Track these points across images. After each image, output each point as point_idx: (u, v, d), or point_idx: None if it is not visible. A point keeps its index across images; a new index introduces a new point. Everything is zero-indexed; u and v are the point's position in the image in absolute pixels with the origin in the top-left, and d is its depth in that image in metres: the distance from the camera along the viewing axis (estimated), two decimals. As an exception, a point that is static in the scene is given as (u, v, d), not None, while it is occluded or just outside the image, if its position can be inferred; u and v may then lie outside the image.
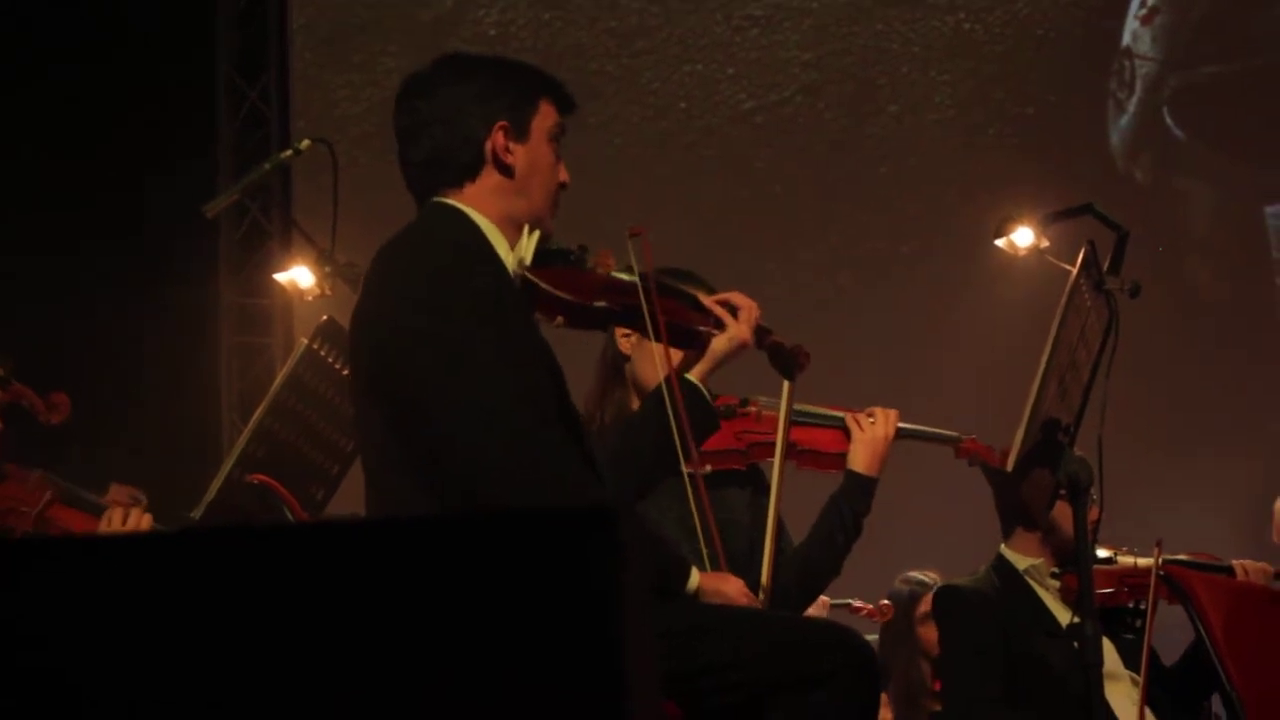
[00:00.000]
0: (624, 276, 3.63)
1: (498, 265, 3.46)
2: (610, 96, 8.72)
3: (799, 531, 4.51)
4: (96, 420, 6.00)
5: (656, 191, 8.56)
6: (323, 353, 4.78)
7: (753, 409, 4.46)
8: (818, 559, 4.46)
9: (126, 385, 7.47)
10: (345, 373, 4.38)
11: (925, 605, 6.34)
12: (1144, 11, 8.86)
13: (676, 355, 3.70)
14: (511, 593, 1.65)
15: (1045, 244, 4.95)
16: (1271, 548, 5.55)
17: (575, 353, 4.02)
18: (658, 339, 3.59)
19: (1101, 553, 5.00)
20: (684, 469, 3.65)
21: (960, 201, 8.32)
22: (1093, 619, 4.13)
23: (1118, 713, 4.77)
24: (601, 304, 3.59)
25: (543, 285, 3.51)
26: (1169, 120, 8.79)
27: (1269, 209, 8.68)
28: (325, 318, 4.87)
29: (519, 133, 3.52)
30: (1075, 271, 4.19)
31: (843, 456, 4.49)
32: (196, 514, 4.81)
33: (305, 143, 5.21)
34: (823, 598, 5.58)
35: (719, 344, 3.71)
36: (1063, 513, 4.65)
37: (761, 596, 3.93)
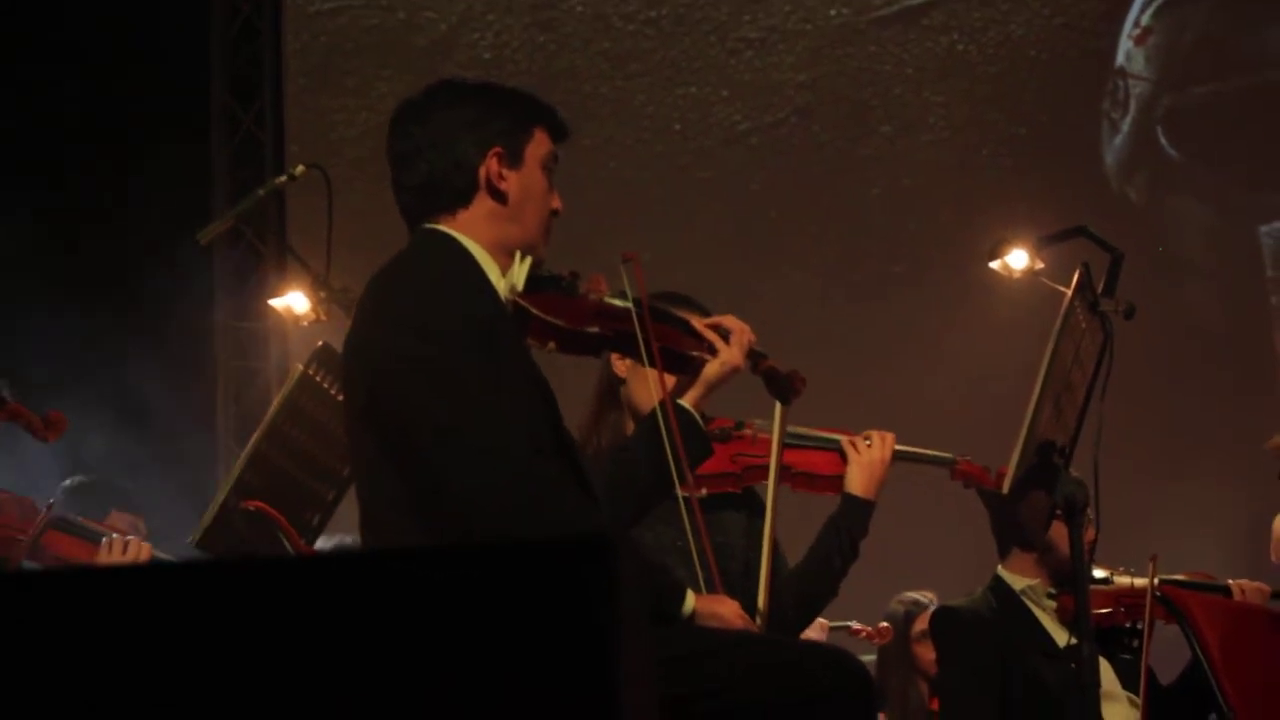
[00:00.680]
0: (616, 302, 3.63)
1: (490, 292, 3.47)
2: (605, 119, 8.73)
3: (794, 554, 4.51)
4: (92, 446, 6.00)
5: (650, 214, 8.56)
6: (318, 378, 4.77)
7: (748, 432, 4.46)
8: (815, 582, 4.47)
9: (123, 410, 7.46)
10: (341, 398, 4.38)
11: (922, 625, 6.34)
12: (1137, 31, 8.87)
13: (670, 380, 3.70)
14: (508, 623, 1.65)
15: (1040, 266, 4.95)
16: (1268, 567, 5.54)
17: (569, 376, 4.02)
18: (651, 365, 3.60)
19: (1098, 573, 5.00)
20: (679, 492, 3.65)
21: (954, 223, 8.32)
22: (1090, 639, 4.13)
23: (1115, 733, 4.77)
24: (594, 329, 3.59)
25: (534, 311, 3.51)
26: (1163, 140, 8.81)
27: (1263, 228, 8.69)
28: (320, 343, 4.86)
29: (513, 159, 3.53)
30: (1070, 293, 4.19)
31: (838, 479, 4.50)
32: (193, 540, 4.81)
33: (300, 168, 5.20)
34: (821, 620, 5.58)
35: (712, 369, 3.70)
36: (1059, 533, 4.65)
37: (759, 621, 3.93)
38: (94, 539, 4.75)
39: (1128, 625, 5.04)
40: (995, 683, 4.97)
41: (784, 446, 4.17)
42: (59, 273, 7.62)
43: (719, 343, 3.72)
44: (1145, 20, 8.86)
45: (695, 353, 3.71)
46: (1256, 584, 5.17)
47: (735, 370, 3.73)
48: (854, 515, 4.46)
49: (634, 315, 3.59)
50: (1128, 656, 5.05)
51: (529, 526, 3.23)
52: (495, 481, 3.26)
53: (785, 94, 8.86)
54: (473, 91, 3.63)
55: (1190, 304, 8.59)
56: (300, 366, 4.76)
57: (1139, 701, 4.92)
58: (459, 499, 3.26)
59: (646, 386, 4.16)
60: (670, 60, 8.88)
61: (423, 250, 3.51)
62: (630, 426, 4.25)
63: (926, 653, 6.14)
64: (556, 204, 3.60)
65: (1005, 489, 4.11)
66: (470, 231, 3.50)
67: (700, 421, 3.71)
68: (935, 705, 6.04)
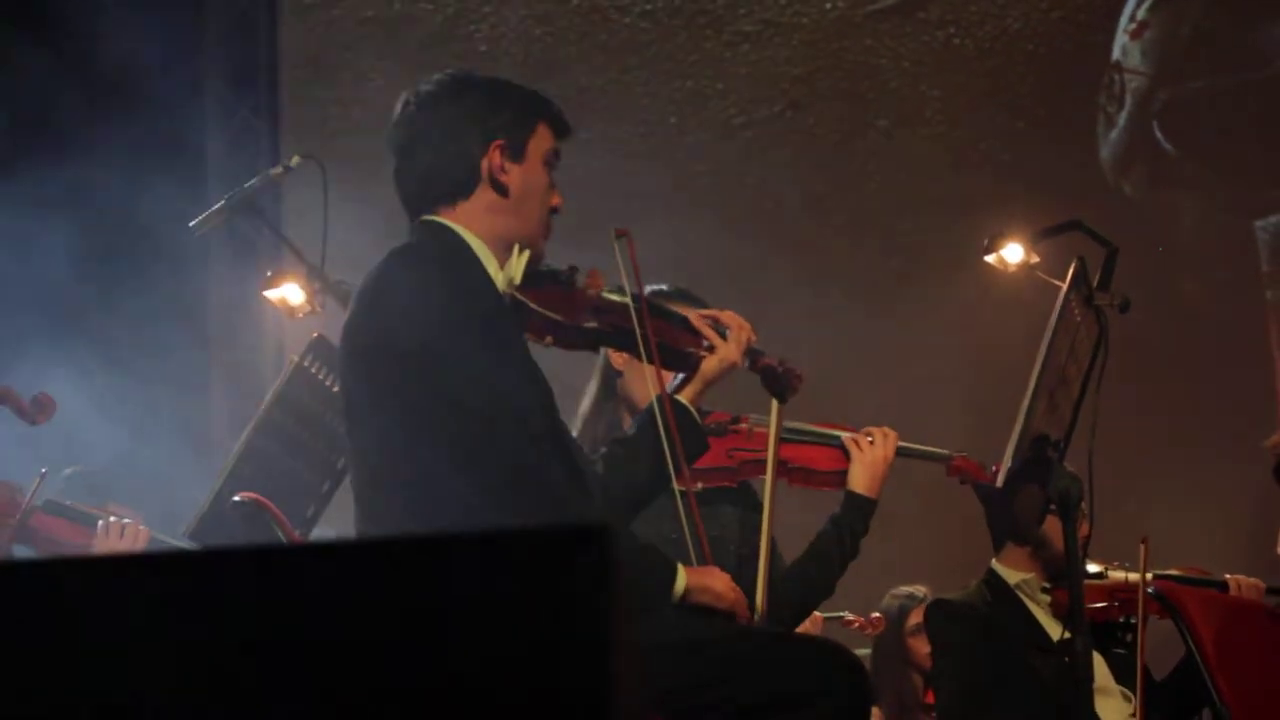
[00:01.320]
0: (614, 297, 3.63)
1: (488, 284, 3.47)
2: (600, 111, 8.72)
3: (790, 549, 4.51)
4: (83, 438, 5.99)
5: (645, 207, 8.55)
6: (313, 370, 4.78)
7: (744, 426, 4.46)
8: (813, 578, 4.47)
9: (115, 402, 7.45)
10: (336, 389, 4.38)
11: (916, 619, 6.35)
12: (1134, 26, 8.86)
13: (667, 376, 3.70)
14: (505, 612, 1.65)
15: (1035, 260, 4.95)
16: (1265, 562, 5.54)
17: (564, 369, 4.02)
18: (648, 361, 3.60)
19: (1092, 567, 5.00)
20: (674, 486, 3.65)
21: (950, 216, 8.32)
22: (1084, 634, 4.13)
23: (1109, 728, 4.77)
24: (591, 324, 3.59)
25: (532, 305, 3.51)
26: (1159, 134, 8.80)
27: (1259, 223, 8.69)
28: (315, 335, 4.87)
29: (515, 153, 3.54)
30: (1065, 287, 4.20)
31: (836, 475, 4.50)
32: (187, 531, 4.81)
33: (296, 159, 5.21)
34: (817, 613, 5.59)
35: (709, 365, 3.71)
36: (1053, 528, 4.66)
37: (756, 617, 3.93)
38: (88, 522, 4.73)
39: (1121, 620, 5.04)
40: (989, 676, 4.97)
41: (781, 441, 4.18)
42: (51, 260, 7.59)
43: (716, 339, 3.72)
44: (1142, 14, 8.85)
45: (692, 349, 3.72)
46: (1253, 580, 5.18)
47: (733, 367, 3.74)
48: (856, 513, 4.46)
49: (632, 311, 3.59)
50: (1121, 651, 5.05)
51: (524, 516, 3.24)
52: (491, 472, 3.26)
53: (781, 87, 8.85)
54: (479, 84, 3.64)
55: (1186, 298, 8.59)
56: (295, 358, 4.76)
57: (1132, 696, 4.92)
58: (453, 484, 3.26)
59: (643, 380, 4.16)
60: (666, 53, 8.87)
61: (421, 242, 3.52)
62: (627, 419, 4.25)
63: (921, 646, 6.15)
64: (556, 201, 3.61)
65: (999, 482, 4.12)
66: (469, 224, 3.51)
67: (697, 416, 3.71)
68: (930, 699, 6.04)
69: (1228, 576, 5.16)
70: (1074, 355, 4.26)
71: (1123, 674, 5.01)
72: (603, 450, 3.79)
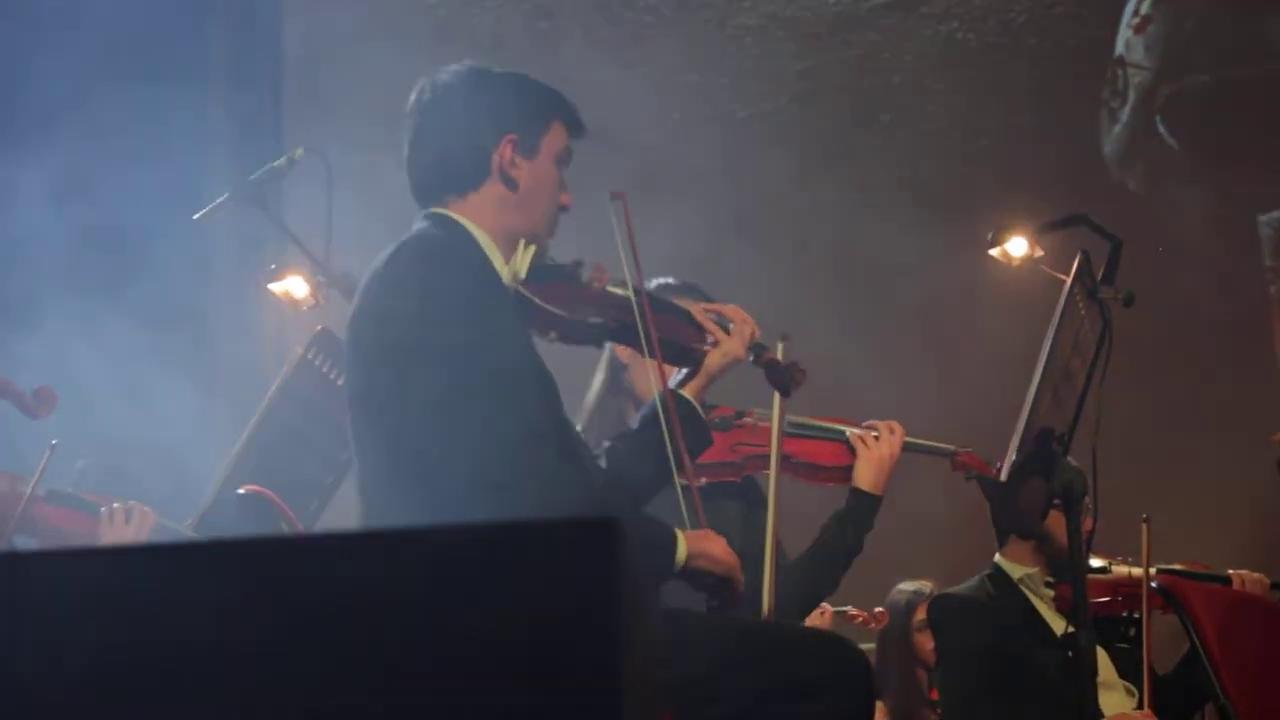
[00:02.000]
0: (619, 292, 3.63)
1: (494, 277, 3.47)
2: (604, 106, 8.71)
3: (794, 544, 4.51)
4: (90, 432, 5.99)
5: (649, 202, 8.55)
6: (317, 362, 4.78)
7: (748, 420, 4.45)
8: (818, 573, 4.47)
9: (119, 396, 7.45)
10: (340, 382, 4.37)
11: (921, 614, 6.35)
12: (1137, 20, 8.86)
13: (669, 371, 3.70)
14: (511, 603, 1.65)
15: (1039, 254, 4.94)
16: (1268, 555, 5.55)
17: (569, 359, 4.01)
18: (652, 356, 3.59)
19: (1096, 562, 5.00)
20: (678, 481, 3.64)
21: (953, 210, 8.31)
22: (1087, 628, 4.13)
23: (1112, 722, 4.78)
24: (596, 320, 3.59)
25: (537, 300, 3.51)
26: (1162, 129, 8.79)
27: (1262, 217, 8.68)
28: (319, 328, 4.86)
29: (528, 149, 3.54)
30: (1069, 281, 4.20)
31: (840, 470, 4.49)
32: (191, 524, 4.80)
33: (299, 151, 5.20)
34: (827, 606, 5.60)
35: (713, 360, 3.70)
36: (1057, 522, 4.65)
37: (764, 612, 3.94)
38: (90, 510, 4.72)
39: (1125, 614, 5.04)
40: (992, 670, 4.97)
41: (785, 436, 4.17)
42: (54, 252, 7.59)
43: (720, 334, 3.72)
44: (1145, 9, 8.85)
45: (696, 344, 3.71)
46: (1257, 575, 5.17)
47: (736, 361, 3.74)
48: (863, 510, 4.46)
49: (635, 306, 3.59)
50: (1125, 645, 5.05)
51: (528, 509, 3.23)
52: (496, 460, 3.26)
53: (784, 81, 8.85)
54: (497, 78, 3.64)
55: (1189, 292, 8.58)
56: (299, 351, 4.76)
57: (1135, 691, 4.93)
58: (458, 477, 3.26)
59: (647, 374, 4.16)
60: (670, 48, 8.86)
61: (428, 234, 3.51)
62: (632, 411, 4.25)
63: (926, 642, 6.15)
64: (566, 199, 3.61)
65: (1004, 476, 4.11)
66: (476, 216, 3.51)
67: (700, 411, 3.71)
68: (935, 695, 6.04)
69: (1231, 571, 5.16)
70: (1078, 349, 4.26)
71: (1126, 668, 5.01)
72: (606, 445, 3.79)
